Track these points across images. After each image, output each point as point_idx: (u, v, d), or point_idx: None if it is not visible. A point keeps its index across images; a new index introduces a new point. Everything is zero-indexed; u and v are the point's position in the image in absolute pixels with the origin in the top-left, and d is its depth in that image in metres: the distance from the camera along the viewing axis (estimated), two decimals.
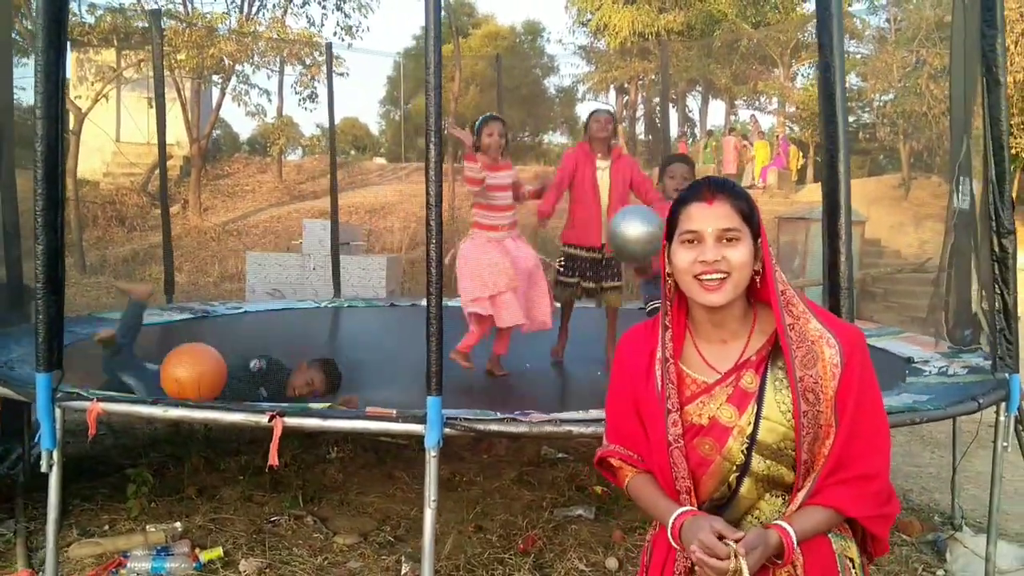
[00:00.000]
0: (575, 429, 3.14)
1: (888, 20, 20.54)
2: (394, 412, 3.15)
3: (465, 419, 3.10)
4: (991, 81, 3.73)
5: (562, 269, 5.73)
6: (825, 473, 1.66)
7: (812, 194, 18.29)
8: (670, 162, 5.41)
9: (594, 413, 3.22)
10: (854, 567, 1.71)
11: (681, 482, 1.72)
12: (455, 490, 5.22)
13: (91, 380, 3.76)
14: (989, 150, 3.74)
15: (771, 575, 1.68)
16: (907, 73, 16.84)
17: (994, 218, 3.75)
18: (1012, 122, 14.52)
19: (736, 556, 1.58)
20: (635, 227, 4.42)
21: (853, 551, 1.73)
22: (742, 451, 1.69)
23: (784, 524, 1.65)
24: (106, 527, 4.54)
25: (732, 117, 29.25)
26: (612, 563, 4.21)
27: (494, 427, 3.15)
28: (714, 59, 23.43)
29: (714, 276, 1.68)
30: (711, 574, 1.59)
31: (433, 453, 3.01)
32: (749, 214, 1.71)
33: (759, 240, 1.72)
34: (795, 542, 1.64)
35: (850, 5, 20.76)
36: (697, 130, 31.80)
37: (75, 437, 5.05)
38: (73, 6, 13.87)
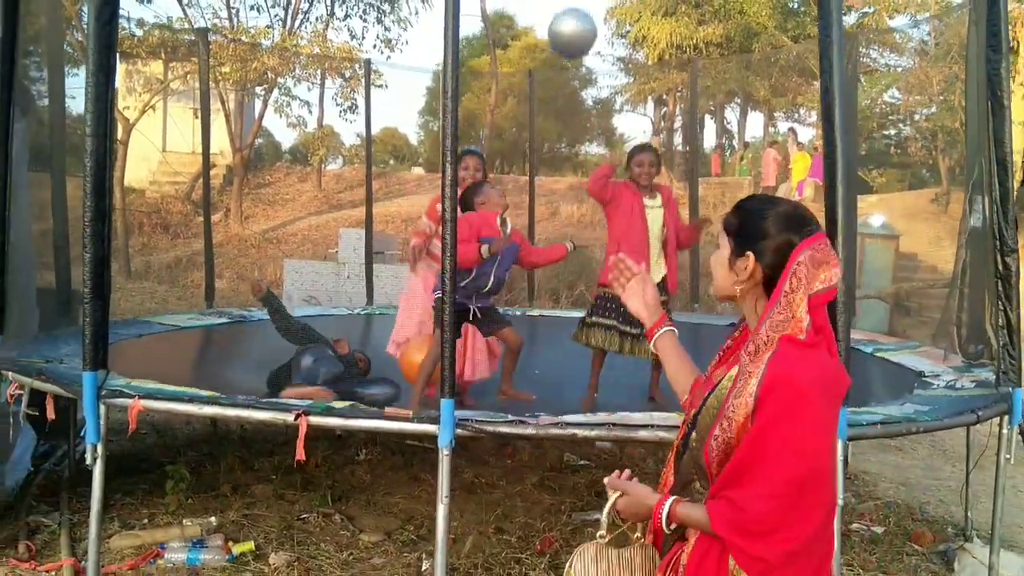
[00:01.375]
0: (580, 432, 3.32)
1: (929, 33, 20.42)
2: (410, 413, 3.36)
3: (476, 420, 3.30)
4: (995, 104, 3.85)
5: (594, 309, 5.30)
6: (721, 481, 1.76)
7: None
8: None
9: (600, 417, 3.39)
10: None
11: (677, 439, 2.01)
12: (477, 493, 5.40)
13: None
14: (993, 171, 3.85)
15: (669, 562, 1.88)
16: (947, 87, 16.75)
17: (998, 237, 3.86)
18: None
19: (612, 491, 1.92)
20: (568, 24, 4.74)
21: None
22: (689, 425, 1.93)
23: (670, 498, 1.85)
24: (145, 520, 4.78)
25: (771, 129, 29.16)
26: None
27: (503, 428, 3.34)
28: (753, 71, 23.40)
29: None
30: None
31: (446, 452, 3.21)
32: (734, 229, 1.87)
33: (746, 254, 1.84)
34: (664, 513, 1.83)
35: (891, 18, 20.63)
36: (736, 142, 31.77)
37: (118, 436, 5.34)
38: (123, 21, 14.36)
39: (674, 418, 3.39)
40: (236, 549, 4.33)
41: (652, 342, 2.17)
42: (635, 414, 3.46)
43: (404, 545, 4.58)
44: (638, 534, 1.98)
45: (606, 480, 1.94)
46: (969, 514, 5.02)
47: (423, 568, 4.26)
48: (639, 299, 2.16)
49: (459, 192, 4.09)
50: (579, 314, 6.13)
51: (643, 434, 3.32)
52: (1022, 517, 5.40)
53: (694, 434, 1.88)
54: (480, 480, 5.63)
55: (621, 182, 5.32)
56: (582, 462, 6.15)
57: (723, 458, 1.77)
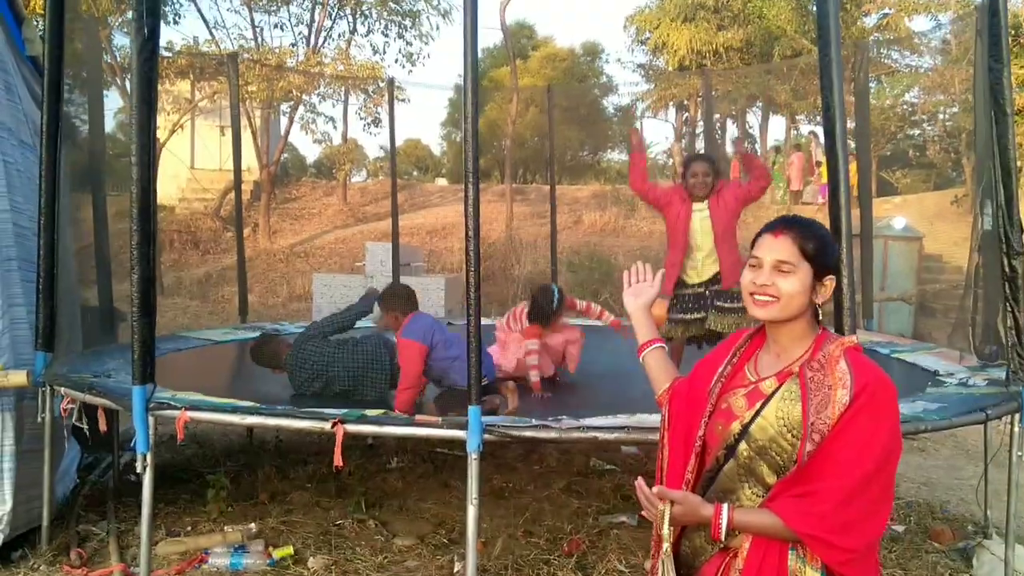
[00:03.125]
0: (600, 435, 3.49)
1: (951, 32, 20.35)
2: (440, 420, 3.55)
3: (503, 426, 3.48)
4: (998, 112, 3.98)
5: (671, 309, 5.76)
6: (784, 483, 1.86)
7: (875, 209, 18.16)
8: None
9: (620, 419, 3.56)
10: None
11: (696, 447, 2.04)
12: (506, 497, 5.57)
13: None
14: (997, 176, 3.98)
15: (719, 568, 1.97)
16: (968, 87, 16.72)
17: (1003, 240, 3.99)
18: None
19: (665, 502, 1.92)
20: None
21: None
22: (735, 436, 1.96)
23: (725, 506, 1.91)
24: (188, 528, 5.00)
25: (794, 132, 29.12)
26: (650, 565, 4.49)
27: (528, 433, 3.52)
28: (774, 75, 23.41)
29: (763, 296, 1.97)
30: (646, 505, 1.97)
31: (474, 456, 3.39)
32: (813, 253, 1.96)
33: (826, 278, 1.98)
34: (724, 522, 1.89)
35: (910, 19, 20.59)
36: (757, 146, 31.74)
37: (159, 447, 5.55)
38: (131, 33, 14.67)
39: None
40: (276, 554, 4.53)
41: (641, 357, 2.35)
42: (652, 416, 3.62)
43: (436, 548, 4.75)
44: (663, 541, 2.00)
45: (655, 490, 1.97)
46: (988, 512, 5.12)
47: (455, 570, 4.42)
48: (632, 297, 2.41)
49: None
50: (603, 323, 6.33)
51: None
52: None
53: (744, 444, 1.95)
54: (509, 485, 5.80)
55: (671, 187, 5.77)
56: (608, 467, 6.30)
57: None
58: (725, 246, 5.54)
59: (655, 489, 1.96)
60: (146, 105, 3.48)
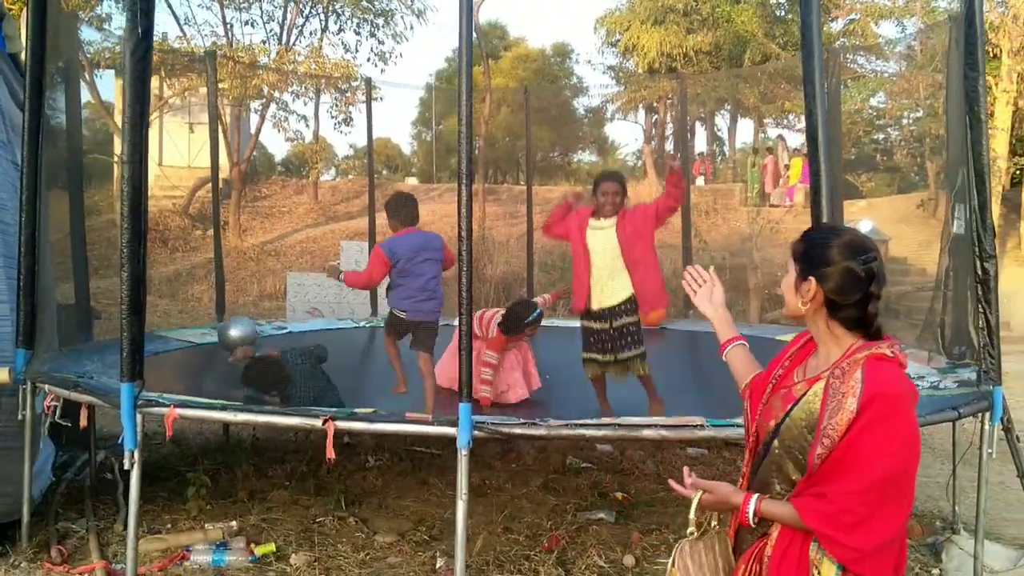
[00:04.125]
0: (588, 432, 3.56)
1: (915, 38, 20.70)
2: (430, 416, 3.60)
3: (492, 423, 3.54)
4: (973, 119, 4.10)
5: (583, 343, 5.59)
6: (805, 481, 2.00)
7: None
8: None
9: (605, 420, 3.63)
10: None
11: (751, 440, 2.20)
12: (486, 495, 5.61)
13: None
14: (971, 181, 4.10)
15: (753, 552, 2.10)
16: (932, 93, 17.04)
17: (976, 243, 4.11)
18: None
19: (696, 489, 2.12)
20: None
21: (827, 569, 1.95)
22: (771, 433, 2.10)
23: (753, 496, 2.06)
24: (168, 525, 4.99)
25: (762, 135, 29.46)
26: (629, 560, 4.57)
27: (517, 430, 3.59)
28: (742, 79, 23.67)
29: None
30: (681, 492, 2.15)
31: (464, 452, 3.45)
32: (799, 255, 2.10)
33: (808, 280, 2.06)
34: (751, 509, 2.04)
35: (877, 24, 20.87)
36: (726, 148, 32.10)
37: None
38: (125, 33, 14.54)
39: (673, 419, 3.63)
40: (259, 551, 4.54)
41: (724, 354, 2.47)
42: (633, 417, 3.71)
43: (418, 545, 4.79)
44: (715, 523, 2.22)
45: (689, 480, 2.13)
46: (956, 508, 5.25)
47: (437, 566, 4.47)
48: (706, 301, 2.49)
49: None
50: (576, 324, 6.37)
51: (647, 433, 3.55)
52: (1006, 510, 5.62)
53: (776, 442, 2.07)
54: (487, 483, 5.85)
55: (572, 215, 5.53)
56: (584, 465, 6.37)
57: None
58: (640, 269, 5.32)
59: (689, 479, 2.13)
60: (139, 104, 3.49)
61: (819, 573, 1.96)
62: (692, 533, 2.17)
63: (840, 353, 2.04)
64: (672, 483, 2.20)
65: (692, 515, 2.12)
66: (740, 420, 3.66)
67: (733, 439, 6.30)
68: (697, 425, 3.56)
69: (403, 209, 5.61)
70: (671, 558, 2.19)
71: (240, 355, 5.72)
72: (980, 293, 4.11)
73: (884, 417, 1.90)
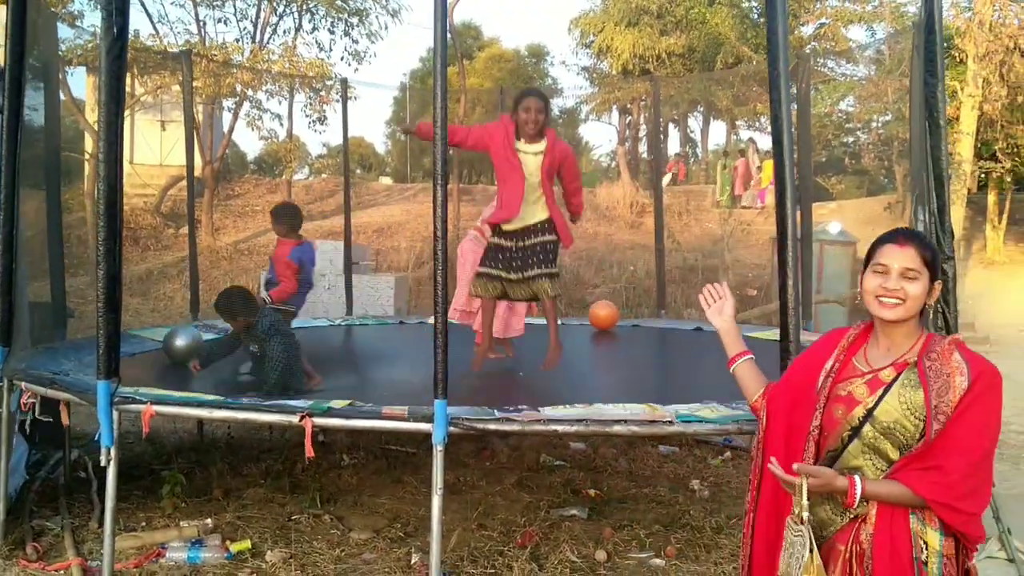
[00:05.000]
0: (560, 427, 3.65)
1: (885, 45, 20.98)
2: (406, 412, 3.67)
3: (467, 418, 3.61)
4: (932, 124, 4.23)
5: (483, 259, 5.51)
6: (910, 458, 2.17)
7: (811, 214, 18.61)
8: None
9: (577, 410, 3.73)
10: (926, 549, 2.14)
11: (813, 433, 2.32)
12: (460, 493, 5.68)
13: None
14: (931, 185, 4.22)
15: (849, 534, 2.24)
16: (900, 97, 17.29)
17: (936, 245, 4.23)
18: (995, 147, 15.04)
19: (801, 475, 2.20)
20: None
21: (932, 537, 2.15)
22: (859, 418, 2.26)
23: (857, 477, 2.20)
24: (143, 523, 5.01)
25: (734, 137, 29.72)
26: (601, 555, 4.66)
27: (491, 425, 3.67)
28: (715, 81, 23.86)
29: (891, 299, 2.27)
30: (784, 483, 2.26)
31: (440, 448, 3.52)
32: (931, 261, 2.28)
33: (935, 282, 2.29)
34: (859, 490, 2.18)
35: (847, 28, 21.14)
36: (699, 150, 32.37)
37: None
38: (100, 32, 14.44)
39: (645, 411, 3.72)
40: (234, 548, 4.58)
41: (732, 368, 2.66)
42: (608, 407, 3.80)
43: (393, 542, 4.85)
44: (802, 511, 2.26)
45: (795, 466, 2.23)
46: None
47: (412, 562, 4.53)
48: (717, 315, 2.72)
49: None
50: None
51: (617, 428, 3.63)
52: None
53: (868, 426, 2.23)
54: (461, 481, 5.92)
55: (491, 124, 5.45)
56: (558, 462, 6.46)
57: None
58: (551, 196, 5.39)
59: (796, 465, 2.23)
60: (115, 103, 3.52)
61: (925, 543, 2.15)
62: (804, 520, 2.22)
63: (910, 342, 2.29)
64: (772, 467, 2.27)
65: (804, 500, 2.21)
66: (707, 414, 3.78)
67: (702, 435, 6.47)
68: (667, 421, 3.65)
69: (297, 219, 6.24)
70: (807, 546, 2.20)
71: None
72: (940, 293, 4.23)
73: (986, 392, 2.14)
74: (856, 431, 2.27)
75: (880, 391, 2.25)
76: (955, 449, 2.12)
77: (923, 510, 2.17)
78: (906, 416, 2.19)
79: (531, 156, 5.31)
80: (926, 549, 2.14)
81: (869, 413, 2.25)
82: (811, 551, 2.21)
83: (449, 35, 18.95)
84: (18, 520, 4.89)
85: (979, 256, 18.27)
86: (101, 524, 4.67)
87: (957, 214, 12.65)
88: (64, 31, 13.88)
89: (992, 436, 2.15)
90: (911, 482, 2.14)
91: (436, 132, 3.28)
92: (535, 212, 5.38)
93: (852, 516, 2.24)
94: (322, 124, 16.99)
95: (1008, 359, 13.27)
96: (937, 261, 2.31)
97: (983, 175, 16.08)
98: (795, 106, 7.95)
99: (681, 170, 26.01)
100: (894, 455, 2.21)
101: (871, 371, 2.31)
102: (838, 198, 22.22)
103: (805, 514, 2.22)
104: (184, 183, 17.46)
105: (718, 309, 2.75)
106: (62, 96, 14.90)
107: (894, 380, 2.24)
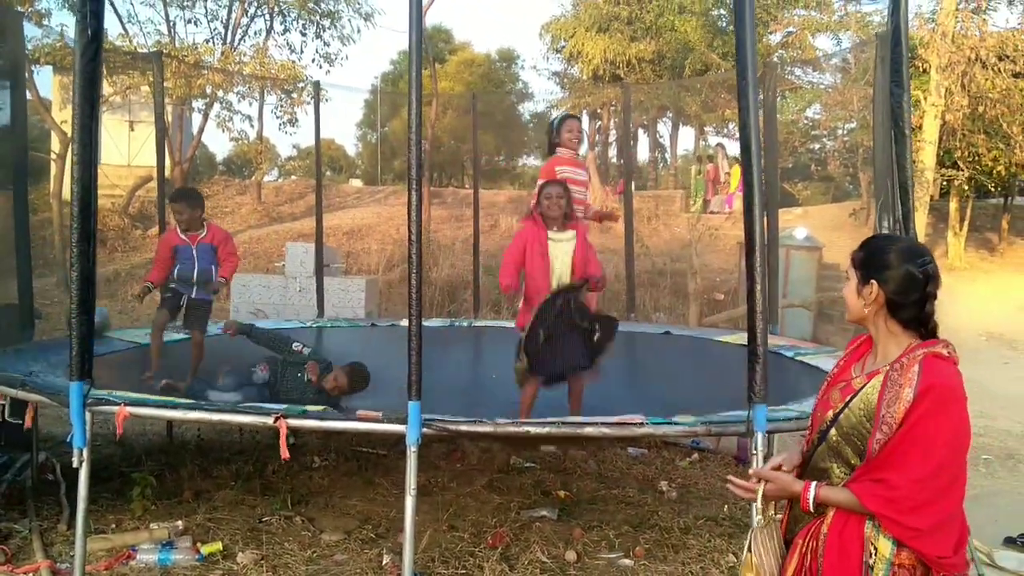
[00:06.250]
0: (533, 430, 3.70)
1: (851, 54, 21.27)
2: (380, 415, 3.70)
3: (440, 420, 3.65)
4: (898, 133, 4.34)
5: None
6: (865, 467, 2.19)
7: (778, 219, 18.81)
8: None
9: (549, 418, 3.77)
10: (875, 555, 2.15)
11: (806, 434, 2.44)
12: (430, 495, 5.70)
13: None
14: (896, 193, 4.33)
15: (809, 530, 2.30)
16: (865, 105, 17.55)
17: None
18: (957, 155, 15.34)
19: (758, 481, 2.33)
20: None
21: (883, 544, 2.14)
22: (827, 422, 2.31)
23: (812, 484, 2.27)
24: (113, 525, 4.98)
25: (702, 143, 29.97)
26: (571, 555, 4.71)
27: (464, 428, 3.71)
28: (684, 88, 24.06)
29: None
30: (739, 491, 2.37)
31: (413, 449, 3.56)
32: (860, 262, 2.31)
33: (868, 284, 2.26)
34: (811, 496, 2.25)
35: (814, 36, 21.41)
36: (668, 155, 32.61)
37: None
38: (68, 31, 14.32)
39: (614, 417, 3.78)
40: (205, 549, 4.57)
41: (814, 505, 2.31)
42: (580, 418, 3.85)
43: (364, 543, 4.86)
44: (772, 512, 2.41)
45: (752, 471, 2.34)
46: None
47: (384, 562, 4.55)
48: (776, 491, 2.41)
49: None
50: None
51: (589, 431, 3.69)
52: None
53: (834, 430, 2.28)
54: (432, 482, 5.94)
55: (524, 228, 5.44)
56: (528, 464, 6.50)
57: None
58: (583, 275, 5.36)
59: (752, 470, 2.38)
60: (89, 105, 3.52)
61: (875, 548, 2.16)
62: (760, 521, 2.37)
63: (899, 351, 2.24)
64: (731, 479, 2.41)
65: (759, 504, 2.31)
66: (677, 418, 3.85)
67: (671, 437, 6.55)
68: (637, 423, 3.71)
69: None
70: (746, 544, 2.39)
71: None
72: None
73: (938, 407, 2.11)
74: (824, 434, 2.33)
75: (849, 397, 2.29)
76: (901, 463, 2.12)
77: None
78: (863, 423, 2.22)
79: (560, 244, 5.31)
80: (875, 554, 2.16)
81: (835, 418, 2.30)
82: (748, 550, 2.34)
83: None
84: None
85: (940, 263, 18.18)
86: (70, 526, 4.65)
87: (920, 221, 12.87)
88: (31, 30, 13.74)
89: (945, 453, 2.11)
90: (860, 492, 2.17)
91: (411, 137, 3.32)
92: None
93: (816, 514, 2.30)
94: (293, 126, 16.96)
95: (969, 364, 13.48)
96: (871, 262, 2.29)
97: (945, 183, 16.40)
98: (762, 113, 8.06)
99: (620, 189, 26.23)
100: (855, 460, 2.24)
101: (852, 377, 2.35)
102: (804, 204, 22.51)
103: (757, 516, 2.33)
104: (152, 184, 17.44)
105: (775, 491, 2.40)
106: (29, 95, 14.79)
107: (863, 387, 2.27)
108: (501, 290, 5.45)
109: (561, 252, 5.31)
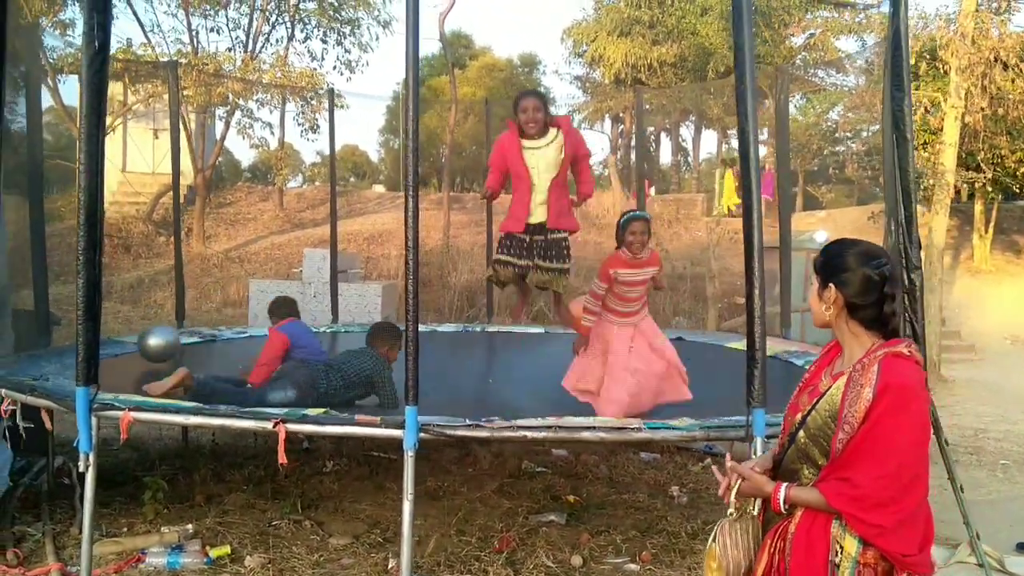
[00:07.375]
0: (529, 434, 3.71)
1: (873, 53, 21.08)
2: (379, 419, 3.73)
3: (437, 425, 3.68)
4: (899, 137, 4.32)
5: (499, 248, 5.48)
6: (830, 467, 2.23)
7: (798, 222, 18.75)
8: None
9: (549, 420, 3.78)
10: (841, 553, 2.18)
11: (779, 437, 2.47)
12: (440, 499, 5.73)
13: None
14: (899, 198, 4.30)
15: (777, 530, 2.33)
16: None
17: (904, 255, 4.32)
18: (979, 157, 15.17)
19: (737, 478, 2.38)
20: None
21: (850, 543, 2.18)
22: (796, 425, 2.35)
23: (783, 484, 2.32)
24: (124, 529, 5.05)
25: (725, 146, 29.87)
26: (576, 560, 4.72)
27: (461, 432, 3.73)
28: (706, 90, 23.97)
29: None
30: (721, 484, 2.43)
31: (410, 453, 3.58)
32: (818, 267, 2.35)
33: (827, 289, 2.30)
34: (781, 497, 2.30)
35: (837, 39, 21.26)
36: (690, 159, 32.50)
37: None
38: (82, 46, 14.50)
39: (613, 421, 3.78)
40: (213, 553, 4.63)
41: (784, 505, 2.34)
42: (578, 418, 3.85)
43: (371, 547, 4.90)
44: (749, 507, 2.45)
45: (729, 465, 2.41)
46: None
47: (389, 566, 4.58)
48: (750, 489, 2.45)
49: None
50: (536, 330, 6.52)
51: (586, 435, 3.70)
52: (942, 512, 5.84)
53: (802, 432, 2.32)
54: (443, 487, 5.97)
55: (501, 138, 5.43)
56: (539, 469, 6.51)
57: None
58: (557, 190, 5.31)
59: (729, 464, 2.43)
60: (95, 115, 3.59)
61: (841, 547, 2.19)
62: (732, 514, 2.43)
63: (862, 352, 2.26)
64: (715, 469, 2.51)
65: (732, 498, 2.39)
66: (674, 423, 3.85)
67: (671, 442, 6.52)
68: (634, 428, 3.71)
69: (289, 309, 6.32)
70: (712, 534, 2.45)
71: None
72: (907, 303, 4.32)
73: (897, 405, 2.13)
74: (793, 437, 2.36)
75: (815, 400, 2.31)
76: (862, 461, 2.16)
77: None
78: (828, 424, 2.25)
79: (542, 151, 5.25)
80: (841, 553, 2.19)
81: (803, 420, 2.33)
82: (713, 541, 2.41)
83: (440, 44, 19.05)
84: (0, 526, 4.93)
85: (966, 265, 18.40)
86: (82, 530, 4.71)
87: (941, 224, 12.75)
88: (55, 40, 13.96)
89: (906, 451, 2.15)
90: (825, 491, 2.20)
91: (407, 144, 3.35)
92: (539, 211, 5.31)
93: (787, 515, 2.33)
94: (314, 132, 17.07)
95: (993, 367, 13.39)
96: (830, 267, 2.32)
97: (969, 185, 16.23)
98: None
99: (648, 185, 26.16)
100: (822, 461, 2.27)
101: (821, 381, 2.37)
102: (828, 207, 22.36)
103: (729, 510, 2.40)
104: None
105: (748, 488, 2.44)
106: (54, 104, 15.03)
107: (828, 389, 2.30)
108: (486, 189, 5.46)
109: (542, 160, 5.26)
